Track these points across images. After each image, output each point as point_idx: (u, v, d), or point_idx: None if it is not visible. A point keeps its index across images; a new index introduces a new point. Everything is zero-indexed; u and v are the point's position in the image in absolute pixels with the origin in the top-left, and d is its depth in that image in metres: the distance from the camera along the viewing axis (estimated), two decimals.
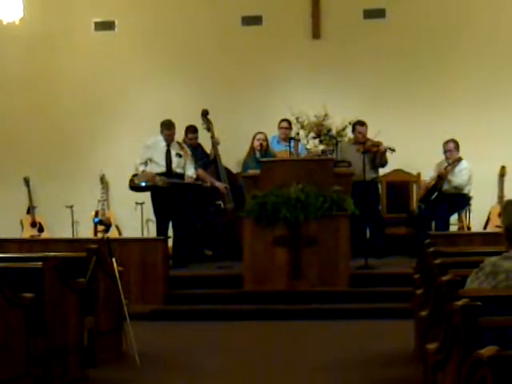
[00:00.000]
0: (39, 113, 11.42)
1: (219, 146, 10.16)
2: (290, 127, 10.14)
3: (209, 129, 10.12)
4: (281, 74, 11.08)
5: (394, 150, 9.72)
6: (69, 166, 11.30)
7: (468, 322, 3.13)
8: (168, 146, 9.61)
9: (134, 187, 9.67)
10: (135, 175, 9.61)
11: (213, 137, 10.15)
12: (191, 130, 10.24)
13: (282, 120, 10.21)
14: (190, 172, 9.66)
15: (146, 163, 9.56)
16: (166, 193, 9.42)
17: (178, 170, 9.61)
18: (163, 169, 9.56)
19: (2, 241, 8.80)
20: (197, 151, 10.21)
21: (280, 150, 10.08)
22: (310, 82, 10.96)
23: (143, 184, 9.51)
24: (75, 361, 5.54)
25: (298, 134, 9.84)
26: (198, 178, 9.77)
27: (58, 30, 11.37)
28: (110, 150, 11.29)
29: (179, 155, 9.63)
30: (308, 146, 9.97)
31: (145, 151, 9.64)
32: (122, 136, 11.22)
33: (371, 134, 9.89)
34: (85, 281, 5.84)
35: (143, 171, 9.51)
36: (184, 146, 9.80)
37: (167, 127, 9.59)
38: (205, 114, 10.09)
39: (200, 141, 10.40)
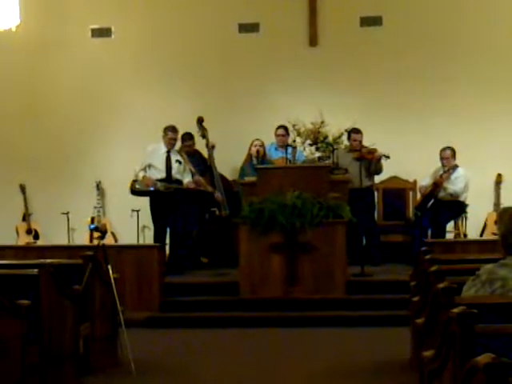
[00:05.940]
0: (35, 119, 11.41)
1: (215, 153, 10.13)
2: (286, 134, 10.13)
3: (204, 136, 10.09)
4: (277, 81, 11.09)
5: (388, 157, 9.70)
6: (65, 172, 11.29)
7: (464, 330, 3.13)
8: (168, 152, 9.60)
9: (136, 191, 9.64)
10: (135, 181, 9.57)
11: (208, 144, 10.14)
12: (187, 137, 10.22)
13: (279, 127, 10.21)
14: (187, 180, 9.66)
15: (145, 170, 9.54)
16: (166, 199, 9.40)
17: (178, 177, 9.61)
18: (163, 174, 9.54)
19: None
20: (193, 158, 10.21)
21: (277, 157, 10.08)
22: (307, 89, 10.97)
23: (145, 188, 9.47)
24: (70, 368, 5.51)
25: (294, 141, 9.85)
26: (197, 184, 9.76)
27: (55, 36, 11.37)
28: (106, 156, 11.29)
29: (179, 162, 9.64)
30: (304, 154, 9.98)
31: (145, 157, 9.62)
32: (118, 143, 11.22)
33: (368, 142, 9.89)
34: (80, 288, 5.81)
35: (144, 176, 9.48)
36: (183, 154, 9.80)
37: (173, 129, 9.59)
38: (200, 121, 10.07)
39: (197, 147, 10.39)
